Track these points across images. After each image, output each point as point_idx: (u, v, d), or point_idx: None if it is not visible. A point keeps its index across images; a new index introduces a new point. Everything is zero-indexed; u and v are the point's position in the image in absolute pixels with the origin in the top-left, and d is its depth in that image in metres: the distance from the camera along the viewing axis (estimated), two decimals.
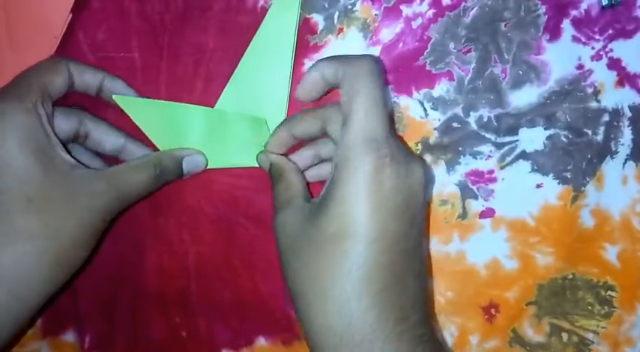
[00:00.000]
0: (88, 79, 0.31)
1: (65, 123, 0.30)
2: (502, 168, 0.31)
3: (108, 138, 0.31)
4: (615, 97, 0.31)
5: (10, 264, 0.26)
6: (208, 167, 0.32)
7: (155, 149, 0.32)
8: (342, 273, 0.23)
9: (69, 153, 0.28)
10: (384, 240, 0.23)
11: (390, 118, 0.28)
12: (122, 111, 0.31)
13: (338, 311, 0.23)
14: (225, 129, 0.32)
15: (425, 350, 0.23)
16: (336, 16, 0.31)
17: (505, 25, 0.31)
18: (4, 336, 0.27)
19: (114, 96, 0.31)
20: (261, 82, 0.32)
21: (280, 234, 0.27)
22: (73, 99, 0.32)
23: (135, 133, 0.32)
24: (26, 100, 0.27)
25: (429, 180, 0.26)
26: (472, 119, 0.31)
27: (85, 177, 0.27)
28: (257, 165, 0.32)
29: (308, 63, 0.32)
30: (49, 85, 0.29)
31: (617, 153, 0.31)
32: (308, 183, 0.31)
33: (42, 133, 0.27)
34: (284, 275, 0.26)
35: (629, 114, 0.31)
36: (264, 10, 0.32)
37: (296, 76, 0.32)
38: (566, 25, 0.31)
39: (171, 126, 0.32)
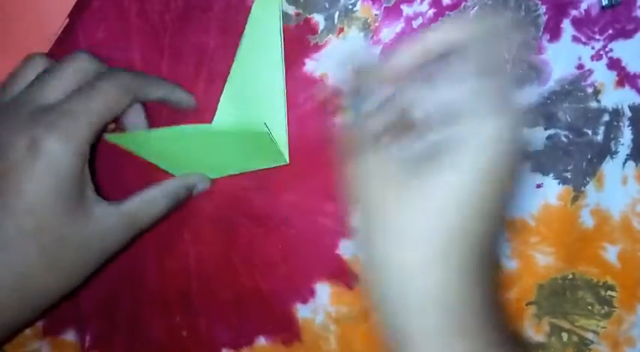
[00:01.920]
0: (152, 96, 0.30)
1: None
2: None
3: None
4: (615, 97, 0.31)
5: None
6: (214, 176, 0.33)
7: None
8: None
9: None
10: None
11: None
12: None
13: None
14: (228, 145, 0.31)
15: None
16: (336, 15, 0.31)
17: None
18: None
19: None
20: (256, 84, 0.32)
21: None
22: None
23: None
24: (76, 141, 0.25)
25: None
26: None
27: (103, 217, 0.27)
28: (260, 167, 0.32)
29: (309, 62, 0.32)
30: (105, 117, 0.27)
31: (617, 153, 0.31)
32: None
33: (80, 177, 0.26)
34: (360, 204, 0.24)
35: (629, 114, 0.31)
36: None
37: (298, 76, 0.32)
38: (566, 25, 0.31)
39: (173, 152, 0.31)
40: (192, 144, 0.31)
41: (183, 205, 0.31)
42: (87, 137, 0.26)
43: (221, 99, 0.32)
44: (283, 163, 0.32)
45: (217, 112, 0.32)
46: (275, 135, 0.32)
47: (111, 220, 0.27)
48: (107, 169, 0.32)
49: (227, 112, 0.32)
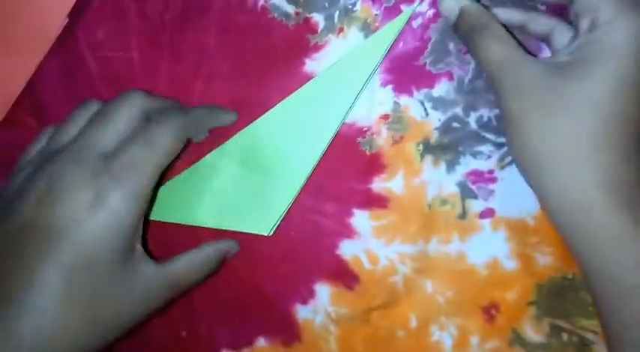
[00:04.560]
0: (203, 132, 0.31)
1: None
2: (502, 168, 0.31)
3: None
4: None
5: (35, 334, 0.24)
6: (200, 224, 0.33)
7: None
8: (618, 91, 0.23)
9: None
10: None
11: None
12: None
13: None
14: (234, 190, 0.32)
15: None
16: (336, 15, 0.31)
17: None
18: None
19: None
20: (313, 116, 0.31)
21: (513, 92, 0.25)
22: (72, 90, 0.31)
23: None
24: (139, 196, 0.25)
25: None
26: (472, 119, 0.31)
27: (148, 278, 0.27)
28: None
29: (309, 63, 0.32)
30: (164, 165, 0.27)
31: None
32: None
33: (135, 234, 0.26)
34: (519, 137, 0.25)
35: None
36: (265, 9, 0.32)
37: (298, 76, 0.32)
38: None
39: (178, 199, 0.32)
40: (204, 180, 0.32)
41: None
42: (149, 191, 0.26)
43: (267, 114, 0.32)
44: (264, 233, 0.32)
45: (258, 121, 0.32)
46: (277, 198, 0.31)
47: (155, 282, 0.27)
48: None
49: (267, 128, 0.32)
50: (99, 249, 0.25)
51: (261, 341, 0.34)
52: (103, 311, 0.25)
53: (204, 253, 0.30)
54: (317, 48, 0.32)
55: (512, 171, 0.31)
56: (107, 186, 0.25)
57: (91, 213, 0.24)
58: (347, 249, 0.33)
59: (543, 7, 0.30)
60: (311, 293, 0.33)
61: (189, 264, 0.29)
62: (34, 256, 0.24)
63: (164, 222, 0.32)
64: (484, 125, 0.31)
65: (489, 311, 0.32)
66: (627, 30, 0.23)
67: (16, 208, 0.25)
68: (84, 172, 0.25)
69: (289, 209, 0.32)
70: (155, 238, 0.31)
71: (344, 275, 0.33)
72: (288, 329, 0.33)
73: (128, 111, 0.27)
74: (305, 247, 0.33)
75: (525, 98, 0.24)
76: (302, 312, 0.33)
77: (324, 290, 0.33)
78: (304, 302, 0.33)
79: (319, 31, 0.32)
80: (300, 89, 0.31)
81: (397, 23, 0.31)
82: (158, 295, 0.28)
